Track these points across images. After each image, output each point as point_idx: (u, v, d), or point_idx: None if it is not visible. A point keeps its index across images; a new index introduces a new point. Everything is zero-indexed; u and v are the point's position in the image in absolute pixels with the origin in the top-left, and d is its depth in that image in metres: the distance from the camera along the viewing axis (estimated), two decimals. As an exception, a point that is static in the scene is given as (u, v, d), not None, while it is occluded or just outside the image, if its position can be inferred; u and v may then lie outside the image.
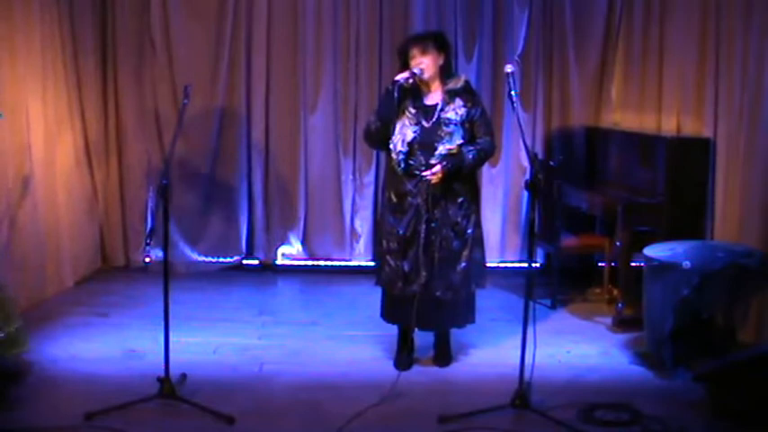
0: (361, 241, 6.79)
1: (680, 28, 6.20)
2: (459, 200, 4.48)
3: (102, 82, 6.57)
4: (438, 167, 4.35)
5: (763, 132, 5.11)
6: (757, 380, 3.90)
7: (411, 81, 4.43)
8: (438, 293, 4.48)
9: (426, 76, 4.44)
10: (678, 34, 6.22)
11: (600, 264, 6.21)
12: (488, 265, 4.91)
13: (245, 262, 6.83)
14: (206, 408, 3.96)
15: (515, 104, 4.16)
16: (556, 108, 6.73)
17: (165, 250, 4.43)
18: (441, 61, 4.47)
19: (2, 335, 4.37)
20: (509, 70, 4.18)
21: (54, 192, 5.87)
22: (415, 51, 4.44)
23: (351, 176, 6.74)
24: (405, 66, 4.47)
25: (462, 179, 4.46)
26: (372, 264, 6.27)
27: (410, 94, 4.47)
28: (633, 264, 5.48)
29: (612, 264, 5.86)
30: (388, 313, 4.68)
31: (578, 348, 5.02)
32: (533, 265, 4.24)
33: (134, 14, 6.51)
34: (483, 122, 4.50)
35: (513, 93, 4.10)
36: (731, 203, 5.48)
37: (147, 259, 5.62)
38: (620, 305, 5.44)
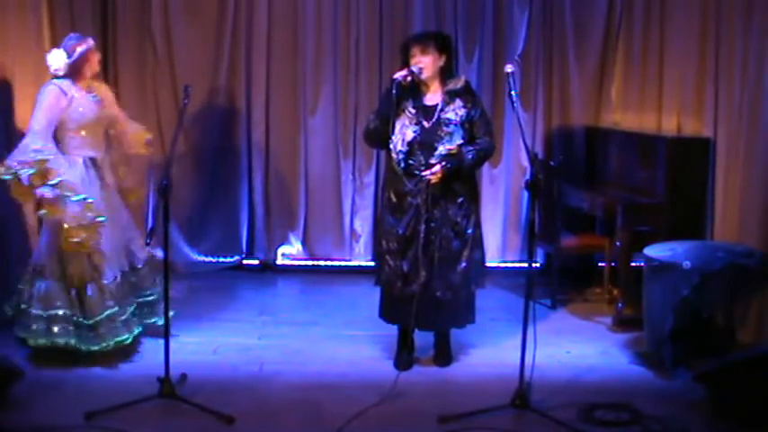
0: (361, 241, 6.78)
1: (680, 28, 6.21)
2: (459, 200, 4.48)
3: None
4: (438, 167, 4.35)
5: (763, 132, 5.11)
6: (757, 380, 3.90)
7: (409, 79, 4.42)
8: (438, 293, 4.47)
9: (424, 75, 4.43)
10: (678, 34, 6.23)
11: (600, 264, 6.20)
12: (488, 265, 4.92)
13: (245, 262, 6.82)
14: (206, 408, 3.96)
15: (515, 104, 4.16)
16: (556, 108, 6.72)
17: (165, 250, 4.42)
18: (441, 62, 4.46)
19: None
20: (509, 70, 4.19)
21: (54, 192, 5.84)
22: (415, 50, 4.44)
23: (351, 177, 6.73)
24: (405, 64, 4.47)
25: (462, 179, 4.46)
26: (372, 264, 6.26)
27: (410, 93, 4.46)
28: (633, 264, 5.48)
29: (612, 264, 5.85)
30: (388, 313, 4.68)
31: (578, 348, 5.01)
32: (533, 265, 4.23)
33: (135, 17, 6.49)
34: (483, 123, 4.50)
35: (513, 93, 4.11)
36: (731, 203, 5.48)
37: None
38: (620, 305, 5.44)
